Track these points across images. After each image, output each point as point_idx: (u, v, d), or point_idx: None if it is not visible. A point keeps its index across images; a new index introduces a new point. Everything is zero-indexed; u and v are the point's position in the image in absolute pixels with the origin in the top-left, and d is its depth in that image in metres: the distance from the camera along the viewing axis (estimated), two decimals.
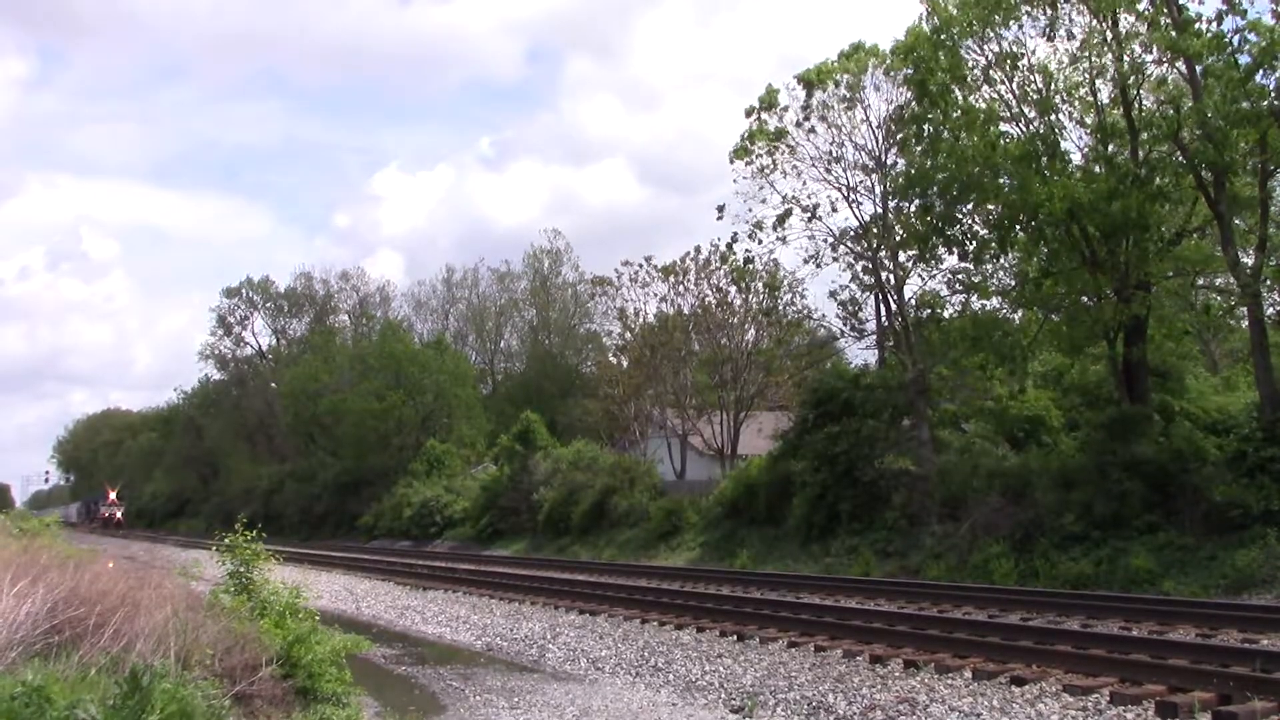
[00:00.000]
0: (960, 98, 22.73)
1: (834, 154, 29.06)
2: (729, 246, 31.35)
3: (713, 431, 41.43)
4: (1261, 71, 19.06)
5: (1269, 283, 20.83)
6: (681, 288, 44.07)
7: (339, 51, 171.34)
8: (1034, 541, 20.21)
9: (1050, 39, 21.79)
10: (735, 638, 14.08)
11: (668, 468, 42.67)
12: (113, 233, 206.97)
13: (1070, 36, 21.81)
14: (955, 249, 24.63)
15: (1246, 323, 22.29)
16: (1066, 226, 21.37)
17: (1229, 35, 19.57)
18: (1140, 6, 20.69)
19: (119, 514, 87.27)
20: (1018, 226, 22.45)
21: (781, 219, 29.54)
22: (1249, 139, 19.29)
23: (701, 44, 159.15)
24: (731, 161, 29.54)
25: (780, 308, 34.96)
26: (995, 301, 25.53)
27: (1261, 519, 17.39)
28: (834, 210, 29.50)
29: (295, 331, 79.42)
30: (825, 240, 29.51)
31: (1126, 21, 21.16)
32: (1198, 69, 20.08)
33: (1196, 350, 28.51)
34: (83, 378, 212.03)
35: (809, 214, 29.42)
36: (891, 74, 27.90)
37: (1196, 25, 19.83)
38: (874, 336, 30.18)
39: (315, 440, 67.63)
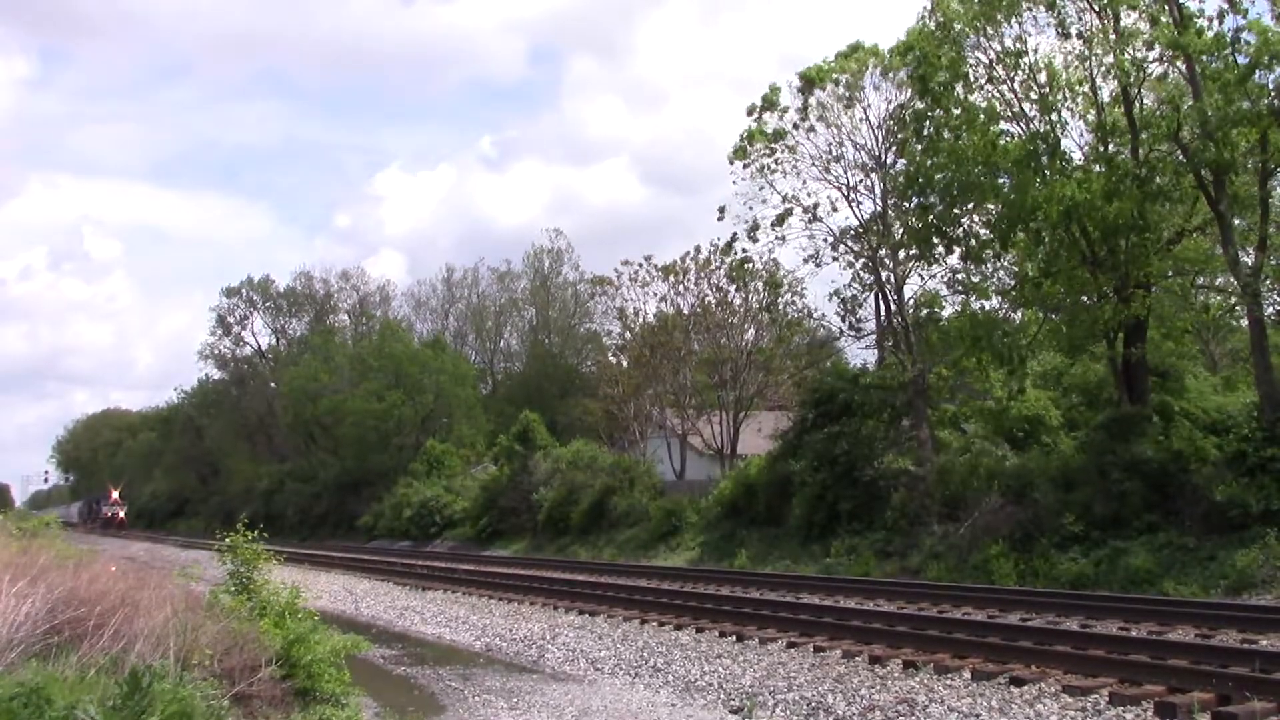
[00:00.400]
0: (962, 96, 22.73)
1: (834, 153, 29.08)
2: (728, 246, 31.36)
3: (712, 431, 41.43)
4: (1260, 71, 19.07)
5: (1269, 282, 20.83)
6: (681, 287, 44.11)
7: (341, 51, 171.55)
8: (1033, 542, 20.21)
9: (1066, 36, 21.73)
10: (734, 638, 14.08)
11: (667, 468, 42.67)
12: (114, 233, 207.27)
13: (1068, 35, 21.81)
14: (955, 248, 24.64)
15: (1246, 322, 22.29)
16: (1066, 226, 21.36)
17: (1229, 34, 19.58)
18: (1144, 3, 20.68)
19: (122, 514, 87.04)
20: (1016, 227, 22.43)
21: (781, 219, 29.54)
22: (1249, 138, 19.28)
23: (704, 44, 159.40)
24: (731, 162, 29.57)
25: (780, 307, 34.95)
26: (995, 301, 25.57)
27: (1261, 519, 17.37)
28: (834, 210, 29.53)
29: (295, 331, 79.45)
30: (825, 240, 29.54)
31: (1128, 19, 21.16)
32: (1198, 68, 20.08)
33: (1196, 350, 28.49)
34: (84, 378, 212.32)
35: (809, 214, 29.43)
36: (890, 74, 27.92)
37: (1198, 23, 19.84)
38: (873, 336, 30.18)
39: (315, 440, 67.64)
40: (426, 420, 57.14)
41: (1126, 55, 20.64)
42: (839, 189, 29.32)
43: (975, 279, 25.07)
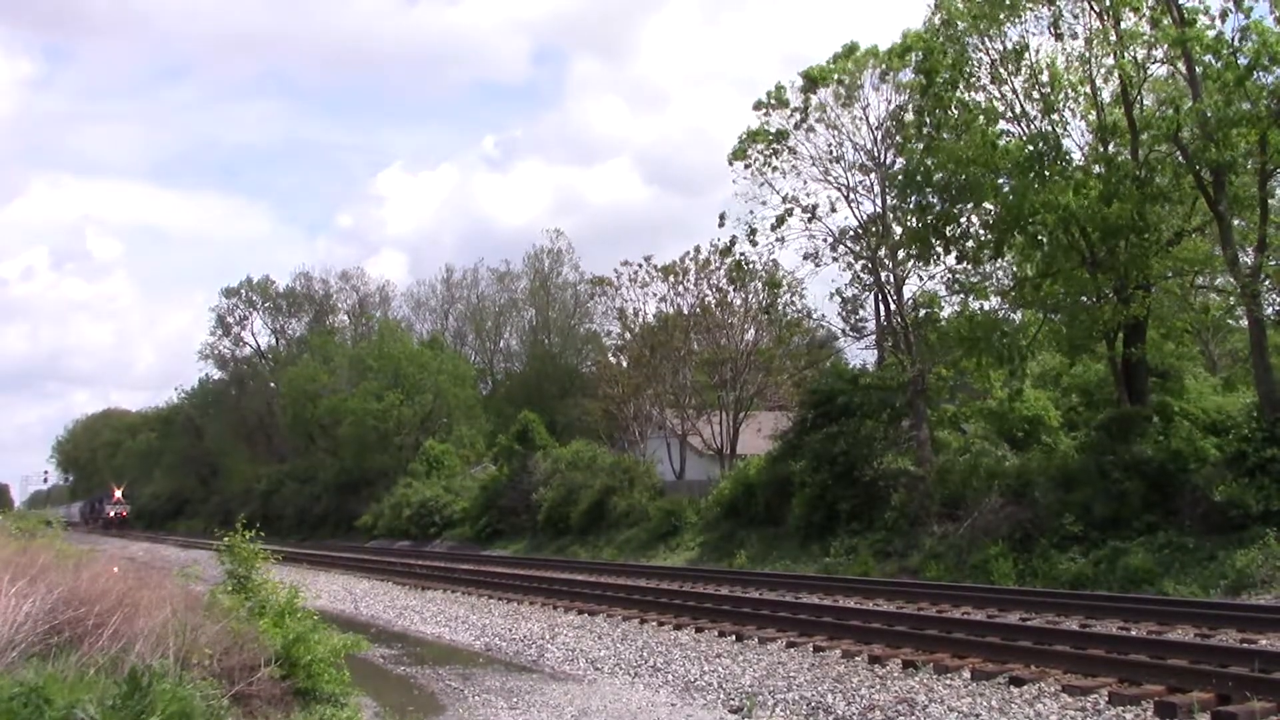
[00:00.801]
0: (963, 95, 22.74)
1: (834, 154, 29.08)
2: (728, 248, 31.36)
3: (712, 431, 41.43)
4: (1259, 72, 19.07)
5: (1268, 283, 20.83)
6: (681, 288, 44.11)
7: (344, 51, 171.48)
8: (1033, 542, 20.21)
9: (1058, 38, 21.77)
10: (734, 638, 14.08)
11: (667, 468, 42.67)
12: (116, 233, 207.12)
13: (1060, 37, 21.82)
14: (953, 248, 24.65)
15: (1246, 323, 22.29)
16: (1064, 229, 21.37)
17: (1231, 35, 19.60)
18: (1145, 5, 20.69)
19: (125, 513, 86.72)
20: (1014, 230, 22.44)
21: (781, 219, 29.55)
22: (1249, 139, 19.29)
23: (707, 44, 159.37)
24: (730, 163, 29.57)
25: (780, 307, 34.94)
26: (994, 302, 25.58)
27: (1261, 519, 17.38)
28: (833, 210, 29.54)
29: (295, 332, 79.47)
30: (825, 240, 29.54)
31: (1129, 20, 21.17)
32: (1198, 69, 20.10)
33: (1196, 350, 28.51)
34: (84, 378, 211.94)
35: (809, 214, 29.43)
36: (889, 75, 27.92)
37: (1200, 20, 19.86)
38: (873, 336, 30.18)
39: (314, 440, 67.62)
40: (426, 420, 57.14)
41: (1127, 56, 20.66)
42: (839, 189, 29.36)
43: (974, 279, 25.09)
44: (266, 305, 79.82)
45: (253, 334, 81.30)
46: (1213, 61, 19.62)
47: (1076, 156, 22.65)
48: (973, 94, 22.84)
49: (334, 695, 9.30)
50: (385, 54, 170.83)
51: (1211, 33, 19.71)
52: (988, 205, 23.30)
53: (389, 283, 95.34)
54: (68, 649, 7.18)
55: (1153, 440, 20.43)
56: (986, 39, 22.34)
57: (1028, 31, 22.21)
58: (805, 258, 29.82)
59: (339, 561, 35.34)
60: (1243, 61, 19.10)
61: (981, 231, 23.93)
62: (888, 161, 28.69)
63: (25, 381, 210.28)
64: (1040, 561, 19.51)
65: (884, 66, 27.89)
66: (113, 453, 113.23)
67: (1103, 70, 21.65)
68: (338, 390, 60.79)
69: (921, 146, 23.99)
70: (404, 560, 34.93)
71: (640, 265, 45.76)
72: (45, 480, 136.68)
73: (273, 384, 76.75)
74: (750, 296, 38.86)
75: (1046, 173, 21.20)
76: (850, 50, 28.43)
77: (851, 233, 29.28)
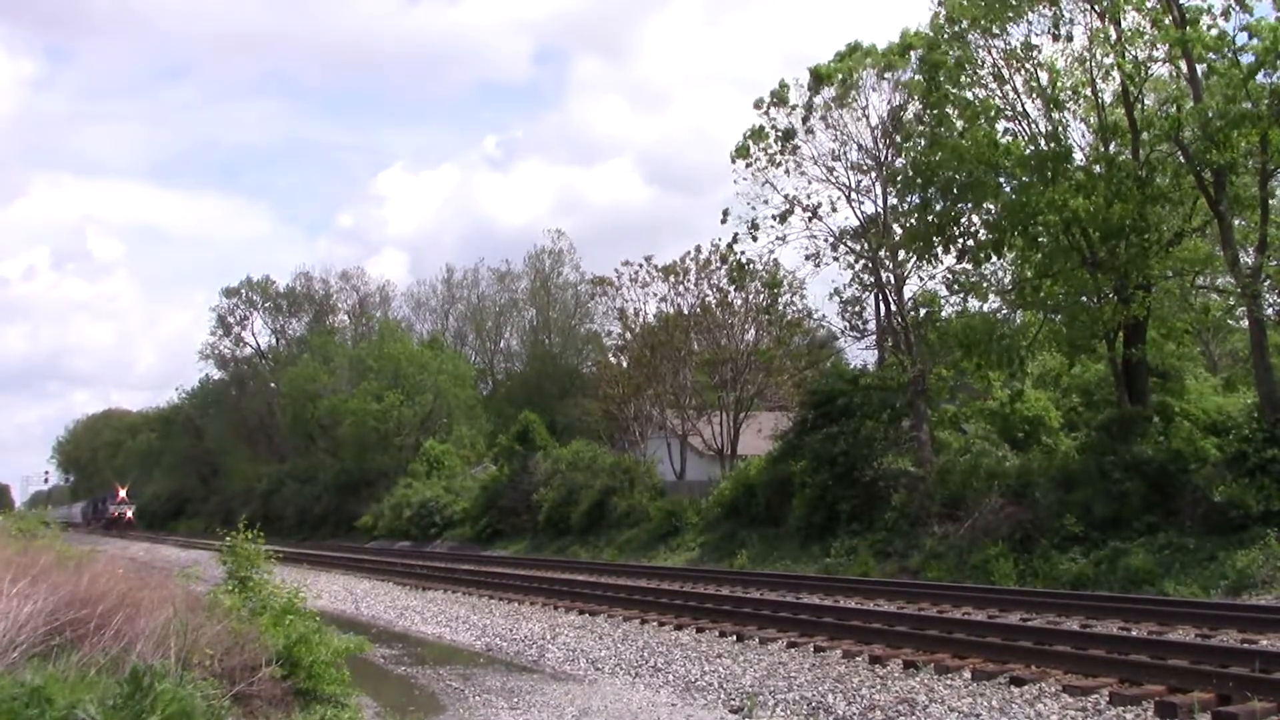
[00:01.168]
0: (967, 93, 22.75)
1: (835, 153, 29.10)
2: (729, 246, 31.36)
3: (712, 432, 41.43)
4: (1263, 72, 19.07)
5: (1269, 282, 20.83)
6: (681, 288, 44.11)
7: (346, 52, 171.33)
8: (1034, 542, 20.21)
9: (1056, 39, 21.80)
10: (735, 638, 14.09)
11: (667, 468, 42.66)
12: (117, 233, 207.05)
13: (1057, 38, 21.84)
14: (953, 247, 24.65)
15: (1246, 323, 22.30)
16: (1066, 229, 21.38)
17: (1232, 34, 19.61)
18: (1146, 5, 20.70)
19: (129, 513, 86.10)
20: (1014, 230, 22.44)
21: (782, 218, 29.54)
22: (1249, 139, 19.30)
23: (710, 44, 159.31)
24: (733, 160, 29.55)
25: (780, 307, 34.94)
26: (994, 302, 25.58)
27: (1261, 519, 17.38)
28: (834, 210, 29.56)
29: (295, 332, 79.50)
30: (825, 240, 29.54)
31: (1130, 20, 21.18)
32: (1199, 68, 20.10)
33: (1197, 351, 28.49)
34: (85, 378, 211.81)
35: (810, 214, 29.43)
36: (889, 75, 27.94)
37: (1202, 20, 19.86)
38: (874, 336, 30.18)
39: (315, 440, 67.64)
40: (426, 420, 57.15)
41: (1128, 56, 20.67)
42: (840, 189, 29.36)
43: (974, 279, 25.08)
44: (267, 305, 79.88)
45: (253, 334, 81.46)
46: (1216, 60, 19.62)
47: (1078, 157, 22.70)
48: (977, 90, 22.84)
49: (335, 695, 9.30)
50: (386, 54, 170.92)
51: (1214, 32, 19.70)
52: (988, 205, 23.31)
53: (389, 283, 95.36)
54: (69, 649, 7.19)
55: (1153, 441, 20.43)
56: (989, 36, 22.34)
57: (1031, 31, 22.25)
58: (807, 258, 29.84)
59: (339, 562, 35.34)
60: (1247, 60, 19.09)
61: (983, 231, 23.94)
62: (888, 160, 28.70)
63: (26, 381, 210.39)
64: (1041, 562, 19.51)
65: (885, 65, 27.91)
66: (113, 453, 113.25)
67: (1103, 70, 21.66)
68: (338, 390, 60.82)
69: (923, 144, 24.01)
70: (404, 560, 34.94)
71: (640, 265, 45.82)
72: (46, 480, 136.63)
73: (273, 384, 76.78)
74: (750, 296, 38.85)
75: (1050, 174, 21.19)
76: (854, 49, 28.44)
77: (851, 232, 29.31)
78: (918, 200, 25.36)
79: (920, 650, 11.84)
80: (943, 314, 25.88)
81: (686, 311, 43.84)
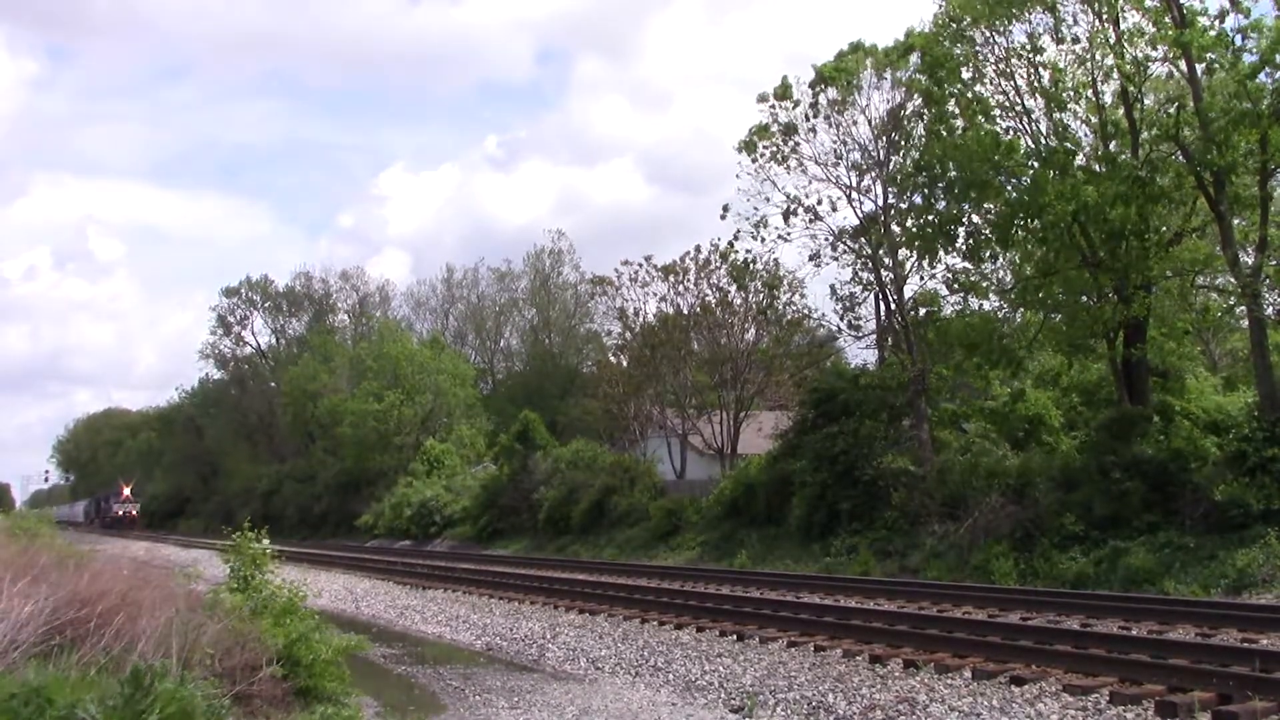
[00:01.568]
0: (969, 91, 22.75)
1: (837, 152, 29.10)
2: (730, 245, 31.37)
3: (713, 431, 41.42)
4: (1264, 71, 19.07)
5: (1269, 282, 20.83)
6: (681, 287, 44.08)
7: (348, 52, 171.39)
8: (1034, 541, 20.21)
9: (1058, 41, 21.80)
10: (735, 637, 14.09)
11: (668, 467, 42.66)
12: (118, 233, 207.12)
13: (1074, 41, 21.82)
14: (952, 246, 24.65)
15: (1246, 323, 22.30)
16: (1068, 227, 21.38)
17: (1231, 34, 19.60)
18: (1147, 4, 20.70)
19: (134, 511, 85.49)
20: (1017, 226, 22.44)
21: (785, 217, 29.55)
22: (1249, 139, 19.29)
23: (712, 44, 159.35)
24: (738, 151, 29.57)
25: (780, 307, 34.93)
26: (994, 301, 25.58)
27: (1261, 519, 17.38)
28: (834, 209, 29.56)
29: (295, 331, 79.50)
30: (826, 239, 29.55)
31: (1130, 20, 21.18)
32: (1199, 68, 20.09)
33: (1197, 350, 28.49)
34: (86, 378, 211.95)
35: (811, 213, 29.44)
36: (889, 74, 27.94)
37: (1200, 21, 19.86)
38: (873, 336, 30.18)
39: (315, 440, 67.64)
40: (426, 420, 57.14)
41: (1128, 56, 20.66)
42: (840, 188, 29.36)
43: (974, 279, 25.08)
44: (267, 305, 79.90)
45: (253, 334, 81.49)
46: (1215, 60, 19.61)
47: (1079, 157, 22.68)
48: (979, 87, 22.84)
49: (335, 695, 9.30)
50: (388, 54, 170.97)
51: (1212, 33, 19.69)
52: (989, 205, 23.31)
53: (389, 282, 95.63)
54: (69, 649, 7.19)
55: (1153, 440, 20.43)
56: (995, 33, 22.33)
57: (1034, 31, 22.25)
58: (810, 259, 29.83)
59: (340, 561, 35.34)
60: (1249, 59, 19.10)
61: (985, 230, 23.92)
62: (888, 160, 28.70)
63: (27, 381, 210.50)
64: (1041, 561, 19.50)
65: (887, 65, 27.91)
66: (113, 452, 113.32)
67: (1102, 70, 21.65)
68: (338, 390, 60.83)
69: (925, 143, 24.01)
70: (405, 560, 34.94)
71: (640, 265, 45.79)
72: (46, 480, 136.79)
73: (273, 384, 76.80)
74: (751, 296, 38.85)
75: (1060, 168, 21.17)
76: (856, 48, 28.46)
77: (851, 232, 29.31)
78: (919, 199, 25.37)
79: (920, 649, 11.84)
80: (943, 313, 25.89)
81: (686, 311, 43.83)
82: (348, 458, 59.09)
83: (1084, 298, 22.60)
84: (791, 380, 40.19)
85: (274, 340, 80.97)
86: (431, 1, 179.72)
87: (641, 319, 46.18)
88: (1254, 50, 19.14)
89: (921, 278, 28.01)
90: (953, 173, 23.10)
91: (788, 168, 29.30)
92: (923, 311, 27.17)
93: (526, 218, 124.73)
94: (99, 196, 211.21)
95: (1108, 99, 22.20)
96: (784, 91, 29.03)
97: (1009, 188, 22.39)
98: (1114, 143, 22.12)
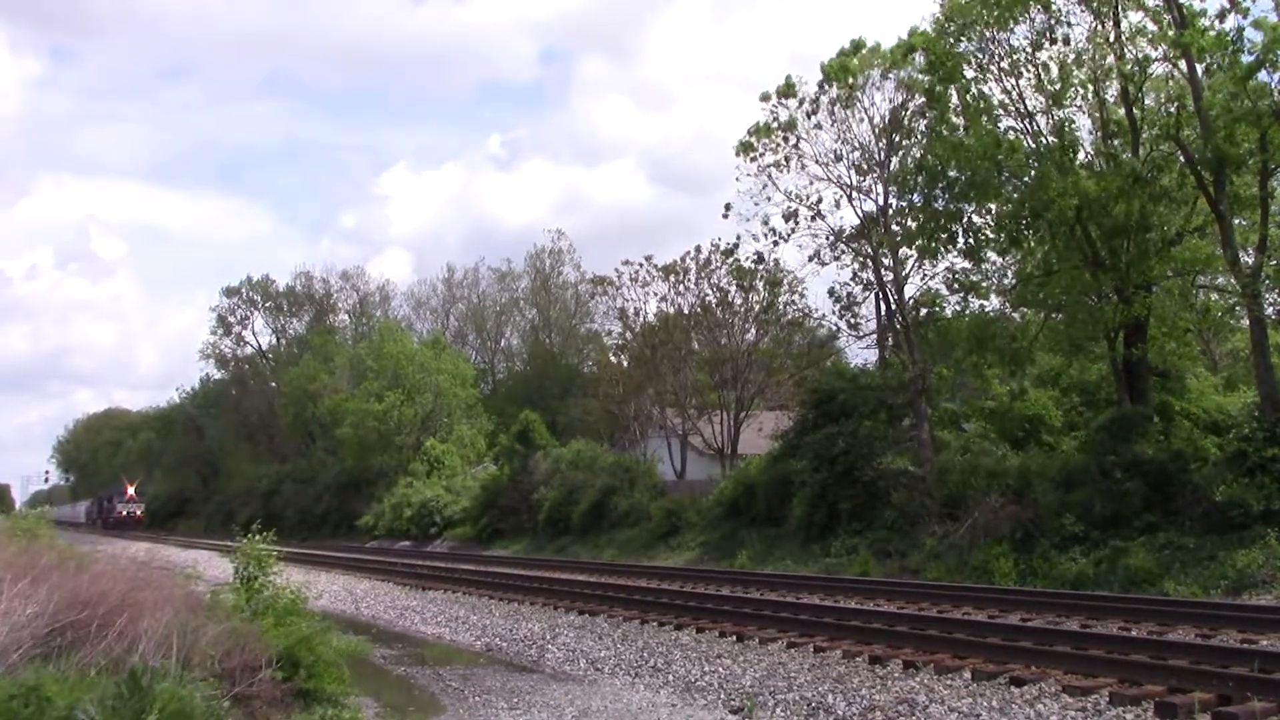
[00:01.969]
0: (970, 90, 22.76)
1: (838, 152, 29.11)
2: (733, 247, 31.39)
3: (713, 431, 41.42)
4: (1264, 70, 19.07)
5: (1269, 282, 20.84)
6: (682, 287, 44.07)
7: (350, 52, 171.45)
8: (1034, 542, 20.21)
9: (1053, 40, 21.81)
10: (735, 638, 14.08)
11: (668, 467, 42.65)
12: (120, 233, 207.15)
13: (1066, 42, 21.83)
14: (954, 246, 24.65)
15: (1246, 323, 22.30)
16: (1071, 226, 21.38)
17: (1231, 33, 19.59)
18: (1148, 3, 20.70)
19: (139, 511, 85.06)
20: (1022, 224, 22.44)
21: (788, 217, 29.56)
22: (1250, 138, 19.29)
23: (715, 44, 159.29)
24: (737, 154, 29.56)
25: (781, 307, 34.94)
26: (994, 301, 25.58)
27: (1262, 519, 17.39)
28: (836, 207, 29.57)
29: (295, 331, 79.48)
30: (826, 239, 29.55)
31: (1130, 20, 21.19)
32: (1199, 67, 20.10)
33: (1197, 350, 28.49)
34: (86, 378, 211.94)
35: (813, 212, 29.44)
36: (892, 74, 27.94)
37: (1200, 21, 19.85)
38: (874, 335, 30.18)
39: (315, 440, 67.62)
40: (427, 420, 57.13)
41: (1128, 56, 20.67)
42: (841, 188, 29.37)
43: (975, 278, 25.09)
44: (267, 305, 79.88)
45: (254, 333, 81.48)
46: (1214, 61, 19.61)
47: (1081, 155, 22.70)
48: (982, 87, 22.86)
49: (335, 696, 9.30)
50: (390, 54, 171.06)
51: (1212, 33, 19.70)
52: (990, 205, 23.31)
53: (389, 282, 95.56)
54: (69, 650, 7.20)
55: (1153, 440, 20.43)
56: (996, 30, 22.32)
57: (1036, 30, 22.23)
58: (810, 259, 29.82)
59: (340, 561, 35.33)
60: (1248, 59, 19.08)
61: (988, 230, 23.92)
62: (889, 159, 28.70)
63: (27, 381, 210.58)
64: (1041, 562, 19.50)
65: (889, 65, 27.91)
66: (113, 452, 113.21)
67: (1104, 71, 21.65)
68: (338, 390, 60.81)
69: (926, 141, 24.02)
70: (405, 560, 34.94)
71: (641, 265, 45.78)
72: (46, 480, 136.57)
73: (274, 384, 76.78)
74: (751, 296, 38.85)
75: (1060, 166, 21.17)
76: (858, 47, 28.46)
77: (851, 231, 29.32)
78: (920, 198, 25.37)
79: (920, 650, 11.83)
80: (945, 313, 25.89)
81: (687, 311, 43.83)
82: (348, 458, 59.08)
83: (1085, 297, 22.60)
84: (792, 380, 40.18)
85: (274, 340, 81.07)
86: (435, 1, 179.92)
87: (642, 319, 46.23)
88: (1251, 50, 19.14)
89: (922, 277, 28.05)
90: (954, 172, 23.11)
91: (787, 168, 29.32)
92: (923, 311, 27.17)
93: (528, 217, 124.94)
94: (101, 196, 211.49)
95: (1111, 96, 22.19)
96: (787, 90, 29.03)
97: (1010, 187, 22.37)
98: (1116, 141, 22.13)
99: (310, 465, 66.72)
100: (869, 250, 28.61)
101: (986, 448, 25.27)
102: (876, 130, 28.78)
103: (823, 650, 12.64)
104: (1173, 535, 18.49)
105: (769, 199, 29.69)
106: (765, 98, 29.32)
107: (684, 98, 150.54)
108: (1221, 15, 19.85)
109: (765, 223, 29.72)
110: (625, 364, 47.91)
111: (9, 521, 20.35)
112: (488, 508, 43.70)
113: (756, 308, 39.02)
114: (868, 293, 29.13)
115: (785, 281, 33.75)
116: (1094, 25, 21.62)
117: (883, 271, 28.27)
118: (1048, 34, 21.86)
